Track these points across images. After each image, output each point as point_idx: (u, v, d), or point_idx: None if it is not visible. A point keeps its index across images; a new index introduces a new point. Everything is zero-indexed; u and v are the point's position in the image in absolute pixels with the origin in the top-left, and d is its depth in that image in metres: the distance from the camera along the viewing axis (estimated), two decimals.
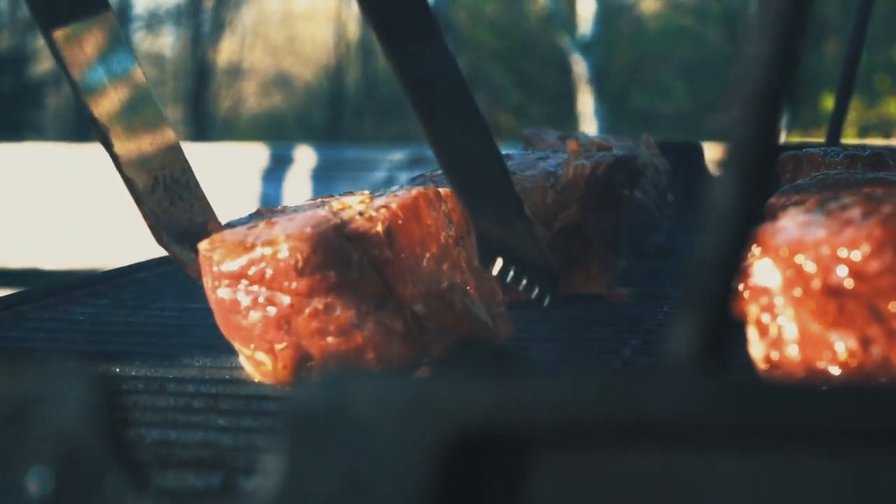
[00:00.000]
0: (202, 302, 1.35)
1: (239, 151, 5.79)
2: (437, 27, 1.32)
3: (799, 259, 1.10)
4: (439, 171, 1.79)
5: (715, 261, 0.63)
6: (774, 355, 1.13)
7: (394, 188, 1.41)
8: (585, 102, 10.91)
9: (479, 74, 11.83)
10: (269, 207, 1.40)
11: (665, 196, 2.18)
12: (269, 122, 11.63)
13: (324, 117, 11.54)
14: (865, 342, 1.08)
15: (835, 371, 1.09)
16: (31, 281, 4.84)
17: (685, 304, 0.64)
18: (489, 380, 0.61)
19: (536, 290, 1.42)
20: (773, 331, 1.13)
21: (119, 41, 1.45)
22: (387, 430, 0.60)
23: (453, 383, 0.61)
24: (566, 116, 11.25)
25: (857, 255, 1.07)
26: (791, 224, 1.13)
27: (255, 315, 1.29)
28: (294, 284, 1.27)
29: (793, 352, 1.12)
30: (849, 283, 1.08)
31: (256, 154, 5.67)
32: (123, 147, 1.43)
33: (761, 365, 1.14)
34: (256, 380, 1.32)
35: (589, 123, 10.76)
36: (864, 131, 11.23)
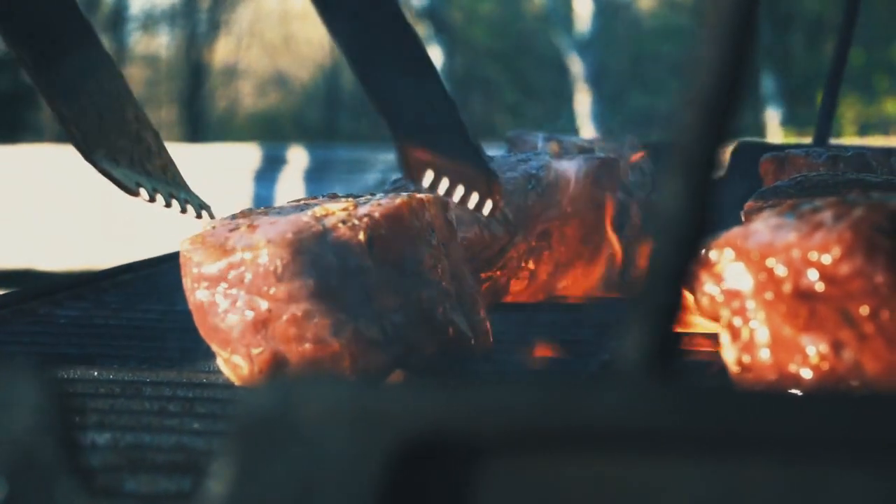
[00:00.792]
0: (185, 304, 1.36)
1: (233, 152, 5.79)
2: None
3: (770, 263, 1.10)
4: None
5: (662, 269, 0.64)
6: (746, 359, 1.13)
7: (378, 195, 1.41)
8: (583, 102, 10.91)
9: (475, 74, 11.83)
10: (251, 209, 1.40)
11: (650, 198, 2.18)
12: (265, 122, 11.63)
13: (320, 117, 11.54)
14: (837, 346, 1.08)
15: (807, 374, 1.09)
16: (27, 281, 4.84)
17: (633, 312, 0.64)
18: (436, 387, 0.61)
19: (475, 199, 1.39)
20: (744, 334, 1.13)
21: None
22: (335, 437, 0.61)
23: (401, 391, 0.61)
24: (563, 116, 11.25)
25: (827, 259, 1.07)
26: (763, 227, 1.13)
27: (232, 318, 1.29)
28: (273, 290, 1.27)
29: (764, 355, 1.12)
30: (820, 287, 1.08)
31: (250, 154, 5.68)
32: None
33: (733, 368, 1.14)
34: (234, 383, 1.32)
35: (586, 123, 10.76)
36: (863, 130, 11.23)
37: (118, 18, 11.00)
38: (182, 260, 1.32)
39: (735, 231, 1.15)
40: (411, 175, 1.35)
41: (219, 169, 5.59)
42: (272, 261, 1.26)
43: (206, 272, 1.29)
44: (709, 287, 1.15)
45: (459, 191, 1.37)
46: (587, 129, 10.63)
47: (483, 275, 1.70)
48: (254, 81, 11.90)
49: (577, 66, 10.77)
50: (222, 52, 11.24)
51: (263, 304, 1.27)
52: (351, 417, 0.61)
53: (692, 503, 0.59)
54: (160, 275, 1.92)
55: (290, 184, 5.59)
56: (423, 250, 1.34)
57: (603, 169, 1.78)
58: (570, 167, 1.75)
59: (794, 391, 1.09)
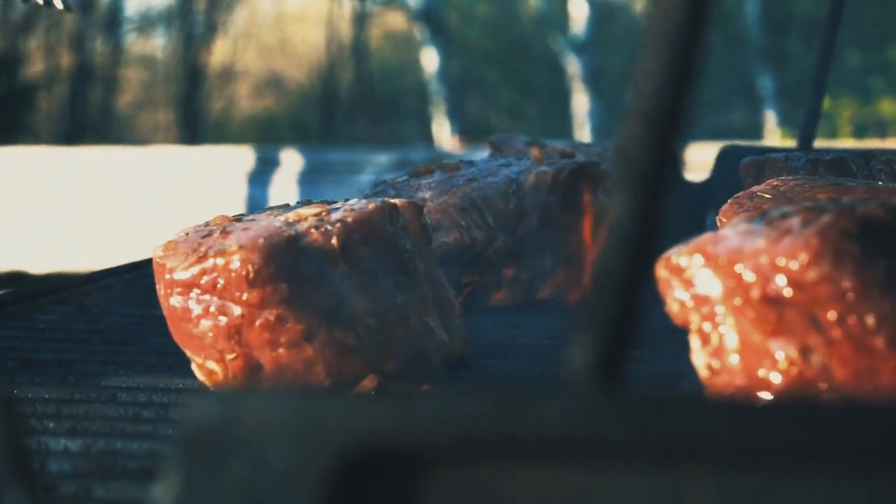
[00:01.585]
0: None
1: (228, 154, 5.79)
2: None
3: (739, 268, 1.11)
4: (402, 178, 1.80)
5: (610, 279, 0.64)
6: (716, 364, 1.13)
7: (352, 200, 1.41)
8: (580, 103, 10.91)
9: (471, 76, 11.83)
10: (225, 216, 1.40)
11: None
12: (261, 124, 11.63)
13: (316, 119, 11.54)
14: (805, 351, 1.09)
15: (776, 379, 1.10)
16: (16, 285, 4.84)
17: (582, 322, 0.64)
18: (380, 399, 0.61)
19: None
20: (714, 339, 1.13)
21: None
22: (278, 449, 0.61)
23: (345, 402, 0.61)
24: (560, 117, 11.25)
25: (795, 265, 1.07)
26: (732, 233, 1.14)
27: (206, 324, 1.29)
28: (245, 295, 1.27)
29: (734, 360, 1.12)
30: (788, 293, 1.08)
31: (245, 157, 5.68)
32: None
33: (703, 373, 1.14)
34: (209, 389, 1.32)
35: (583, 124, 10.76)
36: (859, 131, 11.24)
37: (114, 20, 11.00)
38: (155, 266, 1.32)
39: (704, 237, 1.15)
40: None
41: (214, 171, 5.60)
42: (244, 266, 1.26)
43: (178, 278, 1.29)
44: (679, 293, 1.15)
45: None
46: (584, 131, 10.63)
47: (463, 279, 1.70)
48: (250, 83, 11.90)
49: (573, 67, 10.77)
50: (218, 54, 11.23)
51: (236, 310, 1.27)
52: (295, 429, 0.61)
53: None
54: (142, 279, 1.92)
55: (285, 186, 5.59)
56: (398, 255, 1.35)
57: (582, 173, 1.78)
58: (549, 172, 1.75)
59: (760, 397, 1.10)
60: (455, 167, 1.79)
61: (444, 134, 10.09)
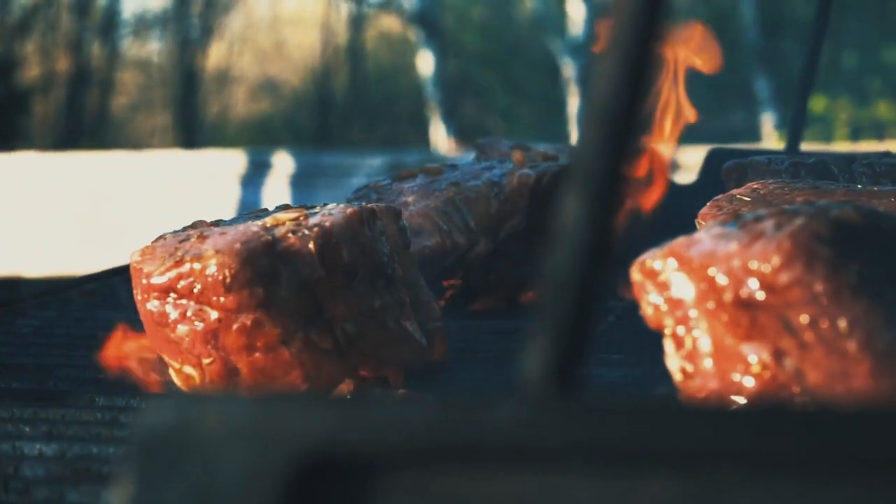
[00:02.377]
0: None
1: (223, 158, 5.79)
2: None
3: (712, 272, 1.11)
4: (385, 182, 1.80)
5: (563, 283, 0.64)
6: (689, 367, 1.13)
7: (330, 205, 1.41)
8: (576, 105, 10.92)
9: (467, 79, 11.83)
10: (203, 221, 1.40)
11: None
12: (257, 127, 11.63)
13: (312, 122, 11.54)
14: (778, 354, 1.09)
15: (749, 383, 1.10)
16: (10, 289, 4.84)
17: (536, 327, 0.64)
18: (333, 404, 0.61)
19: None
20: (688, 343, 1.13)
21: None
22: (231, 454, 0.61)
23: (298, 407, 0.61)
24: (556, 120, 11.26)
25: (767, 268, 1.07)
26: (705, 237, 1.14)
27: (182, 329, 1.29)
28: (222, 299, 1.27)
29: (707, 364, 1.12)
30: (760, 296, 1.08)
31: (240, 161, 5.68)
32: None
33: (677, 376, 1.14)
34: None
35: (576, 126, 10.77)
36: (855, 133, 11.24)
37: (110, 23, 10.99)
38: (132, 271, 1.32)
39: (679, 241, 1.15)
40: None
41: (210, 175, 5.60)
42: (221, 270, 1.26)
43: (155, 283, 1.29)
44: (653, 296, 1.15)
45: None
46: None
47: (445, 283, 1.70)
48: (246, 87, 11.90)
49: (569, 69, 10.78)
50: (214, 57, 11.23)
51: (213, 314, 1.27)
52: (248, 434, 0.61)
53: None
54: (125, 283, 1.92)
55: (280, 189, 5.60)
56: (375, 259, 1.35)
57: (566, 176, 1.78)
58: (532, 174, 1.75)
59: (729, 400, 1.10)
60: (438, 171, 1.79)
61: (439, 137, 10.10)
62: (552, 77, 11.47)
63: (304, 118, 11.88)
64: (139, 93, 11.50)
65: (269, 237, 1.30)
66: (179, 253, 1.30)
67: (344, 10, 11.53)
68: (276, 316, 1.28)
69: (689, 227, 1.78)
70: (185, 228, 1.38)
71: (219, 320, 1.28)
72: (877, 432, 0.60)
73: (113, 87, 11.14)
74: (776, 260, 1.07)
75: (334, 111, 11.29)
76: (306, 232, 1.31)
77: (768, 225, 1.10)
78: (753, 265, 1.08)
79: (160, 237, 1.37)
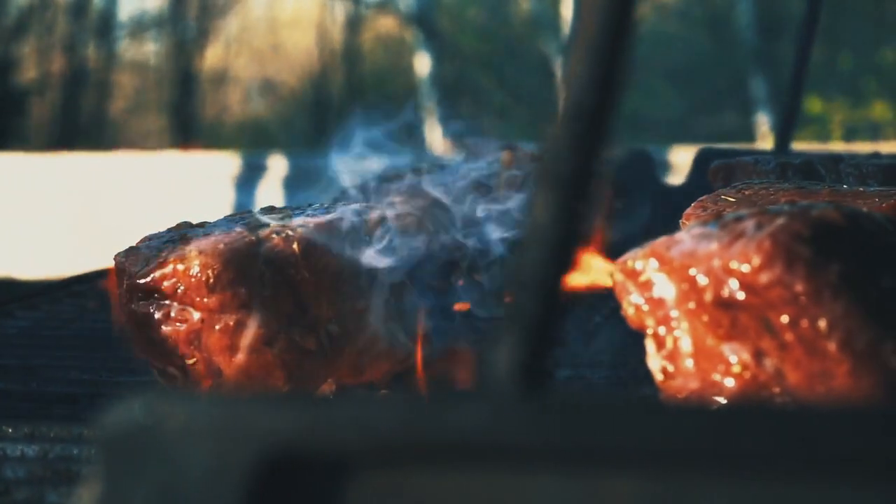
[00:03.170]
0: None
1: (218, 160, 5.79)
2: None
3: (692, 272, 1.11)
4: (372, 182, 1.80)
5: (531, 282, 0.64)
6: (670, 368, 1.13)
7: (314, 206, 1.41)
8: None
9: (463, 79, 11.84)
10: (189, 222, 1.40)
11: (611, 203, 2.18)
12: (253, 129, 11.63)
13: (309, 124, 11.54)
14: (758, 354, 1.09)
15: (729, 383, 1.09)
16: (5, 291, 4.83)
17: (503, 325, 0.64)
18: (300, 402, 0.61)
19: None
20: (669, 343, 1.13)
21: None
22: (197, 452, 0.61)
23: (265, 406, 0.61)
24: (552, 120, 11.22)
25: (747, 268, 1.07)
26: (686, 237, 1.13)
27: (166, 329, 1.29)
28: (205, 300, 1.27)
29: (688, 364, 1.12)
30: (740, 296, 1.08)
31: (235, 162, 5.68)
32: None
33: (658, 377, 1.14)
34: None
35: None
36: (850, 134, 11.24)
37: (106, 25, 10.99)
38: (116, 272, 1.32)
39: (660, 241, 1.15)
40: None
41: (206, 176, 5.60)
42: (203, 271, 1.26)
43: (138, 284, 1.29)
44: (634, 297, 1.15)
45: None
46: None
47: (430, 284, 1.70)
48: (242, 88, 11.90)
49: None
50: (211, 59, 11.24)
51: (196, 315, 1.27)
52: (214, 433, 0.61)
53: None
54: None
55: (275, 190, 5.59)
56: (359, 260, 1.35)
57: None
58: (519, 175, 1.75)
59: (710, 400, 1.10)
60: (424, 171, 1.79)
61: (435, 138, 10.09)
62: (548, 78, 11.47)
63: (301, 120, 11.88)
64: (135, 94, 11.50)
65: (253, 238, 1.29)
66: (163, 254, 1.30)
67: (340, 12, 11.53)
68: (260, 317, 1.28)
69: (677, 228, 1.78)
70: (169, 230, 1.38)
71: (202, 321, 1.28)
72: (842, 432, 0.60)
73: (109, 88, 11.13)
74: (756, 260, 1.07)
75: (331, 112, 11.29)
76: (290, 233, 1.31)
77: (749, 225, 1.10)
78: (734, 265, 1.08)
79: (144, 238, 1.37)
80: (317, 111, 11.51)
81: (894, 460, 0.60)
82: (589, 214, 0.66)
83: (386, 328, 1.36)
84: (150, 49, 11.54)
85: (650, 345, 1.14)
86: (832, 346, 1.05)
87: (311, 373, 1.31)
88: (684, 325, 1.12)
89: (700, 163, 2.44)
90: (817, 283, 1.06)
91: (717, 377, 1.10)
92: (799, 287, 1.06)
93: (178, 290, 1.28)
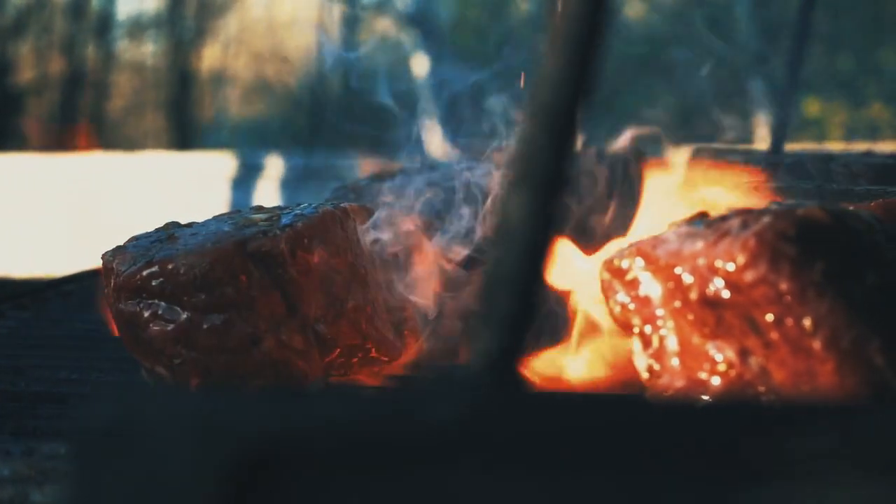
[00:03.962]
0: None
1: (215, 160, 5.79)
2: None
3: (678, 271, 1.11)
4: (363, 182, 1.80)
5: (505, 277, 0.64)
6: (656, 366, 1.13)
7: (303, 205, 1.41)
8: None
9: (462, 80, 11.84)
10: (177, 222, 1.40)
11: (602, 203, 2.18)
12: (252, 129, 11.63)
13: (307, 124, 11.54)
14: (743, 353, 1.09)
15: (715, 382, 1.09)
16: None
17: (478, 320, 0.64)
18: (276, 399, 0.61)
19: None
20: (655, 342, 1.13)
21: None
22: (172, 449, 0.61)
23: (241, 401, 0.61)
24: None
25: (732, 267, 1.07)
26: (672, 236, 1.14)
27: (154, 328, 1.29)
28: (193, 299, 1.27)
29: (674, 362, 1.12)
30: (725, 295, 1.08)
31: (232, 162, 5.68)
32: None
33: (644, 375, 1.14)
34: None
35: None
36: (850, 135, 11.24)
37: (104, 26, 10.99)
38: (104, 271, 1.32)
39: (646, 239, 1.15)
40: None
41: (202, 176, 5.59)
42: (190, 270, 1.26)
43: (127, 283, 1.29)
44: (620, 296, 1.15)
45: None
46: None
47: (421, 283, 1.70)
48: (241, 89, 11.90)
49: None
50: (209, 59, 11.24)
51: (183, 314, 1.27)
52: (191, 428, 0.61)
53: None
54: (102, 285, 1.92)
55: (272, 191, 5.59)
56: (348, 259, 1.35)
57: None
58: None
59: (702, 398, 1.10)
60: (416, 171, 1.79)
61: (434, 138, 10.09)
62: None
63: (299, 120, 11.89)
64: (134, 95, 11.50)
65: (241, 237, 1.29)
66: (151, 253, 1.30)
67: (338, 12, 11.53)
68: (247, 316, 1.28)
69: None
70: (157, 229, 1.38)
71: (189, 320, 1.27)
72: (817, 428, 0.60)
73: (107, 88, 11.13)
74: (741, 258, 1.07)
75: (329, 113, 11.30)
76: (278, 232, 1.31)
77: (734, 224, 1.10)
78: (719, 264, 1.08)
79: (133, 238, 1.37)
80: (315, 111, 11.52)
81: (871, 458, 0.60)
82: (562, 210, 0.66)
83: (374, 327, 1.36)
84: (148, 49, 11.55)
85: (636, 343, 1.14)
86: (817, 345, 1.05)
87: (299, 372, 1.31)
88: (670, 323, 1.12)
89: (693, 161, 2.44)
90: (802, 281, 1.06)
91: (702, 375, 1.10)
92: (784, 285, 1.06)
93: (166, 290, 1.28)
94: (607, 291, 1.16)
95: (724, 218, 1.12)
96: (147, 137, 11.22)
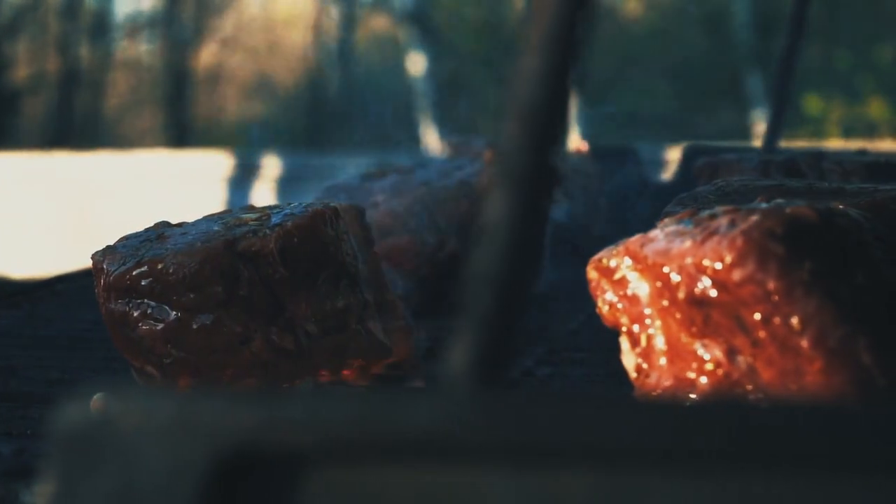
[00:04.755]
0: None
1: (211, 158, 5.79)
2: None
3: (666, 269, 1.11)
4: (354, 181, 1.80)
5: (487, 276, 0.64)
6: (644, 365, 1.13)
7: (293, 204, 1.41)
8: (570, 105, 10.91)
9: (459, 78, 11.84)
10: (167, 221, 1.40)
11: (597, 201, 2.19)
12: (249, 127, 11.63)
13: (305, 123, 11.55)
14: (731, 352, 1.09)
15: (703, 381, 1.10)
16: None
17: (460, 320, 0.64)
18: (256, 399, 0.61)
19: None
20: (643, 341, 1.13)
21: None
22: (152, 449, 0.61)
23: (220, 402, 0.61)
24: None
25: (719, 266, 1.07)
26: (661, 235, 1.14)
27: (143, 328, 1.29)
28: (182, 299, 1.27)
29: (662, 362, 1.12)
30: (713, 294, 1.08)
31: (228, 161, 5.68)
32: None
33: (632, 374, 1.14)
34: None
35: (572, 125, 10.76)
36: (848, 132, 11.24)
37: (101, 24, 10.99)
38: (94, 271, 1.32)
39: (634, 238, 1.15)
40: None
41: (199, 175, 5.59)
42: (180, 270, 1.26)
43: (116, 282, 1.29)
44: (609, 294, 1.15)
45: None
46: (572, 132, 10.62)
47: (413, 283, 1.70)
48: (238, 88, 11.90)
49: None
50: (206, 58, 11.24)
51: (173, 314, 1.27)
52: (169, 430, 0.61)
53: None
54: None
55: (268, 189, 5.59)
56: (338, 259, 1.35)
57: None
58: None
59: (687, 398, 1.10)
60: (409, 169, 1.79)
61: (431, 137, 10.09)
62: None
63: (297, 119, 11.89)
64: (130, 93, 11.50)
65: (230, 237, 1.30)
66: (140, 253, 1.31)
67: (335, 11, 11.53)
68: (237, 316, 1.28)
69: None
70: (147, 229, 1.38)
71: (179, 320, 1.28)
72: (796, 428, 0.60)
73: (103, 87, 11.13)
74: (729, 257, 1.07)
75: (326, 112, 11.30)
76: (267, 231, 1.31)
77: (722, 222, 1.10)
78: (706, 263, 1.08)
79: (123, 238, 1.37)
80: (313, 110, 11.52)
81: (851, 457, 0.60)
82: (546, 210, 0.66)
83: (364, 327, 1.36)
84: (145, 48, 11.55)
85: (624, 342, 1.15)
86: (805, 344, 1.05)
87: (288, 372, 1.31)
88: (658, 322, 1.12)
89: (688, 160, 2.44)
90: (790, 280, 1.06)
91: (690, 375, 1.10)
92: (771, 284, 1.06)
93: (155, 289, 1.28)
94: (596, 291, 1.16)
95: (712, 216, 1.12)
96: (144, 135, 11.22)
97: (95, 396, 0.65)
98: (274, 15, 11.96)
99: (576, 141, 2.21)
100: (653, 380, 1.12)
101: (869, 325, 1.06)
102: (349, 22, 11.70)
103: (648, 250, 1.12)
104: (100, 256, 1.33)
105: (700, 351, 1.10)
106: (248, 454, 0.61)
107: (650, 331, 1.13)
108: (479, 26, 12.56)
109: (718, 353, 1.09)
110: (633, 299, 1.13)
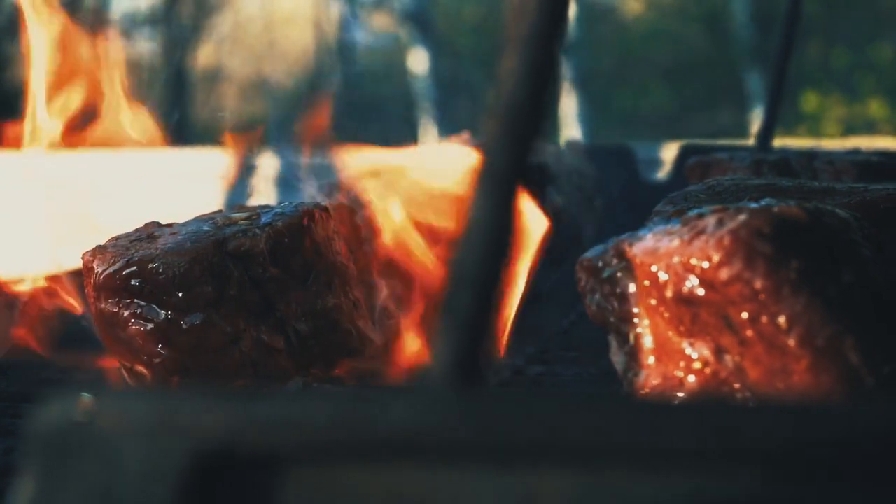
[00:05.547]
0: None
1: (208, 157, 5.80)
2: None
3: (654, 268, 1.11)
4: (348, 180, 1.80)
5: (468, 276, 0.64)
6: (633, 364, 1.13)
7: (284, 204, 1.41)
8: (569, 104, 10.92)
9: (459, 77, 11.84)
10: (157, 222, 1.40)
11: (591, 201, 2.19)
12: (248, 127, 11.63)
13: (303, 122, 11.54)
14: (719, 351, 1.09)
15: (691, 380, 1.10)
16: None
17: (441, 321, 0.65)
18: (233, 399, 0.61)
19: None
20: (631, 339, 1.13)
21: None
22: (130, 450, 0.61)
23: (198, 402, 0.61)
24: (550, 118, 11.23)
25: (707, 265, 1.07)
26: (649, 234, 1.14)
27: (133, 328, 1.29)
28: (172, 298, 1.27)
29: (650, 361, 1.12)
30: (700, 293, 1.08)
31: (226, 160, 5.68)
32: None
33: (621, 373, 1.14)
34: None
35: (572, 125, 10.77)
36: (847, 131, 11.24)
37: (100, 25, 10.99)
38: (84, 271, 1.32)
39: (623, 238, 1.15)
40: None
41: (196, 174, 5.59)
42: (169, 270, 1.26)
43: (106, 282, 1.29)
44: (597, 294, 1.15)
45: None
46: (573, 132, 10.63)
47: (407, 282, 1.70)
48: (237, 86, 11.92)
49: (562, 68, 10.77)
50: (205, 57, 11.25)
51: (162, 314, 1.27)
52: (147, 430, 0.61)
53: None
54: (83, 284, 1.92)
55: (266, 189, 5.59)
56: (329, 258, 1.35)
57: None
58: None
59: (675, 396, 1.10)
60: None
61: (430, 137, 10.10)
62: None
63: (296, 118, 11.89)
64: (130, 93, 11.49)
65: (220, 237, 1.30)
66: (130, 252, 1.31)
67: (335, 10, 11.54)
68: (227, 315, 1.28)
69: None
70: (137, 229, 1.38)
71: (169, 320, 1.28)
72: (772, 425, 0.60)
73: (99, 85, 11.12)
74: (716, 256, 1.07)
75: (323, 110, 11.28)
76: (258, 231, 1.31)
77: (710, 221, 1.10)
78: (694, 262, 1.08)
79: (113, 237, 1.38)
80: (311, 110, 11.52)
81: (827, 455, 0.60)
82: (522, 208, 0.66)
83: (355, 326, 1.37)
84: (144, 47, 11.56)
85: (612, 341, 1.15)
86: (792, 343, 1.05)
87: (278, 372, 1.31)
88: (646, 321, 1.12)
89: (681, 159, 2.45)
90: (777, 279, 1.06)
91: (678, 373, 1.10)
92: (759, 283, 1.06)
93: (145, 289, 1.28)
94: (584, 290, 1.16)
95: (700, 215, 1.12)
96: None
97: (83, 396, 0.65)
98: (273, 13, 11.97)
99: (571, 140, 2.22)
100: (641, 379, 1.12)
101: (856, 325, 1.06)
102: (348, 21, 11.71)
103: (636, 249, 1.12)
104: (90, 256, 1.33)
105: (688, 350, 1.10)
106: (227, 454, 0.61)
107: (638, 330, 1.13)
108: (479, 26, 12.56)
109: (706, 352, 1.09)
110: (621, 298, 1.13)
